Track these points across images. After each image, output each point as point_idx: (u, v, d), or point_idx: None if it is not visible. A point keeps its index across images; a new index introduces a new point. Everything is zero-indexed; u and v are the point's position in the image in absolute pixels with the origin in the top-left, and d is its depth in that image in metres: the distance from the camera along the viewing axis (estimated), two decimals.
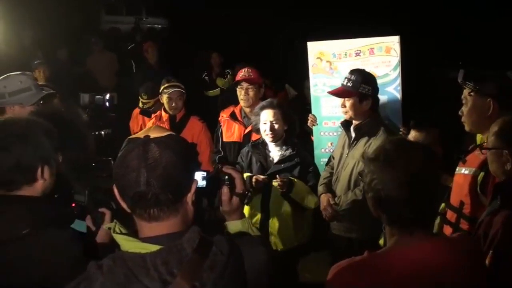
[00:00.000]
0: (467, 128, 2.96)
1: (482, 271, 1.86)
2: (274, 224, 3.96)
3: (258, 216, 3.98)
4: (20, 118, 2.17)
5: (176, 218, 1.56)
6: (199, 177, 1.81)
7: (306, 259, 4.40)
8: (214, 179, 1.85)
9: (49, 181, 2.02)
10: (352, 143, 3.88)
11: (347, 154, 3.90)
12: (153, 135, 1.55)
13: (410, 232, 1.81)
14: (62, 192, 2.17)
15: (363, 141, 3.79)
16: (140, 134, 1.58)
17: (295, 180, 3.89)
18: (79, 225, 2.22)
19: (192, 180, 1.61)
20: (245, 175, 3.96)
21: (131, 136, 1.60)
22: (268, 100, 4.15)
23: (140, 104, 5.81)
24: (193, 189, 1.60)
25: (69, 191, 2.22)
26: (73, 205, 2.19)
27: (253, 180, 3.85)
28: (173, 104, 5.12)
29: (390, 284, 1.73)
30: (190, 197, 1.59)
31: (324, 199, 3.96)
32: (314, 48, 5.02)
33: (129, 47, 10.61)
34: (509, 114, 2.53)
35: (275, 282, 1.79)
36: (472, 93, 2.86)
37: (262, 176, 3.88)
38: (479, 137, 2.97)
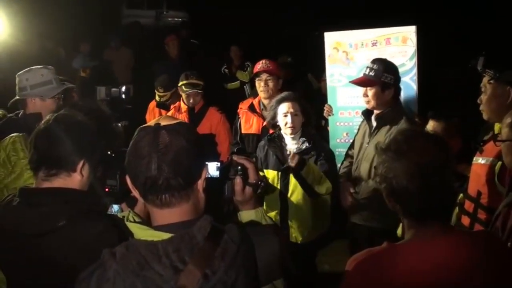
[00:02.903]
0: (485, 116, 2.92)
1: (506, 266, 1.80)
2: (293, 217, 3.96)
3: (277, 208, 3.98)
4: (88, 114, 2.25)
5: (188, 204, 1.57)
6: (213, 167, 1.83)
7: (324, 250, 4.41)
8: (225, 169, 1.87)
9: (86, 180, 2.06)
10: (373, 132, 3.87)
11: (368, 143, 3.88)
12: (163, 122, 1.57)
13: (427, 225, 1.80)
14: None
15: (384, 130, 3.77)
16: (151, 123, 1.61)
17: (310, 163, 3.84)
18: (116, 210, 2.26)
19: (202, 166, 1.63)
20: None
21: (142, 126, 1.62)
22: (286, 92, 4.11)
23: (157, 98, 5.85)
24: (203, 176, 1.61)
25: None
26: (107, 189, 2.22)
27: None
28: (191, 100, 5.21)
29: (408, 279, 1.72)
30: (201, 184, 1.61)
31: (344, 187, 3.96)
32: (331, 38, 5.03)
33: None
34: None
35: (289, 270, 1.80)
36: (491, 81, 2.82)
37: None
38: (497, 126, 2.92)
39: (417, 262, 1.74)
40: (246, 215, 1.91)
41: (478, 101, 2.92)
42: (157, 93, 5.85)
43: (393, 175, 1.79)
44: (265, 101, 4.73)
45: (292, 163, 3.78)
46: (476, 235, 1.91)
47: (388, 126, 3.75)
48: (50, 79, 3.55)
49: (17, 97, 3.54)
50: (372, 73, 3.82)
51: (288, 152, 3.98)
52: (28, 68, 3.58)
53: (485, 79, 2.86)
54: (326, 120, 5.09)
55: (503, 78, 2.78)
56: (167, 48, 8.80)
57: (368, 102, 3.87)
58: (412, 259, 1.75)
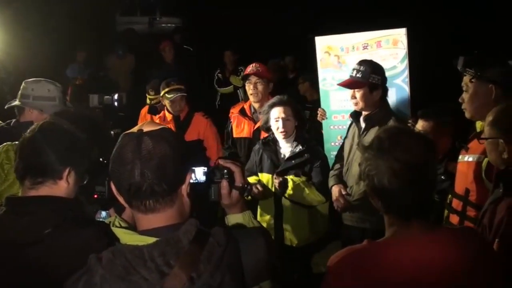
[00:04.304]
0: (467, 115, 2.93)
1: (488, 263, 1.82)
2: (288, 220, 3.97)
3: (272, 212, 4.01)
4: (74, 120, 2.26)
5: (172, 209, 1.59)
6: (200, 172, 1.85)
7: (320, 252, 4.41)
8: (212, 173, 1.89)
9: (72, 187, 2.07)
10: (362, 133, 3.88)
11: (358, 145, 3.89)
12: (146, 129, 1.59)
13: (408, 222, 1.80)
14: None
15: (373, 131, 3.76)
16: (134, 129, 1.62)
17: (293, 179, 3.88)
18: (103, 216, 2.28)
19: (186, 171, 1.64)
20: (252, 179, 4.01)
21: (125, 132, 1.63)
22: (278, 97, 4.13)
23: (148, 101, 5.88)
24: (187, 181, 1.63)
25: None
26: (95, 196, 2.24)
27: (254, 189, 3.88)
28: (177, 107, 5.18)
29: (388, 274, 1.73)
30: (185, 188, 1.62)
31: (336, 190, 3.97)
32: (322, 42, 5.05)
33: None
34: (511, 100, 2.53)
35: (277, 272, 1.81)
36: (473, 80, 2.83)
37: (259, 187, 3.92)
38: (478, 124, 2.95)
39: (396, 259, 1.74)
40: (233, 218, 1.92)
41: (460, 100, 2.94)
42: (148, 96, 5.87)
43: (375, 173, 1.79)
44: (256, 105, 4.76)
45: (276, 185, 3.87)
46: (458, 232, 1.91)
47: (377, 127, 3.75)
48: (55, 96, 3.59)
49: (17, 103, 3.56)
50: (359, 75, 3.84)
51: (282, 156, 4.01)
52: (37, 79, 3.63)
53: (466, 78, 2.88)
54: (320, 124, 5.12)
55: (485, 76, 2.79)
56: (163, 54, 8.79)
57: (356, 104, 3.89)
58: (392, 256, 1.76)
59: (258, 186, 3.90)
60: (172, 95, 5.12)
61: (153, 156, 1.53)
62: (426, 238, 1.76)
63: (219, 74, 8.57)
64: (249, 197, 1.98)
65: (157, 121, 5.30)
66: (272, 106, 4.03)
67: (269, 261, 1.76)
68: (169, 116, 5.26)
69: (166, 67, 8.51)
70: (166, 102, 5.21)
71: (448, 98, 3.45)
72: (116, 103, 3.91)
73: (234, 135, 4.86)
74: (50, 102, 3.55)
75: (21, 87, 3.58)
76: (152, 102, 5.85)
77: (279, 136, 4.00)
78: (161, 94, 5.23)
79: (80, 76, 8.45)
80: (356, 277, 1.76)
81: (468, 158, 2.85)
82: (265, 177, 4.06)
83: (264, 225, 3.80)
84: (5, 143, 3.18)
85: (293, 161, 3.96)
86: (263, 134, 4.36)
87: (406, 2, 10.11)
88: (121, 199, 1.62)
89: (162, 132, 1.59)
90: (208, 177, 1.87)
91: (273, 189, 4.00)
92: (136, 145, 1.54)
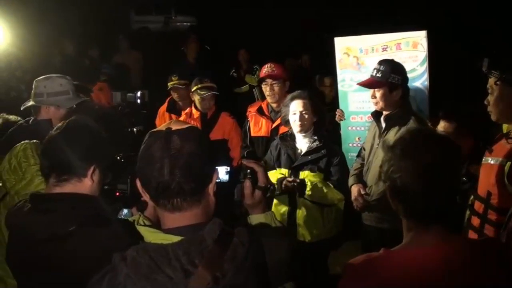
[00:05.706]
0: (493, 117, 2.90)
1: (506, 275, 1.75)
2: (301, 215, 3.96)
3: (286, 207, 3.99)
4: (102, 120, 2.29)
5: (198, 208, 1.58)
6: (223, 171, 1.85)
7: (337, 251, 4.40)
8: (235, 173, 1.88)
9: (96, 185, 2.09)
10: (382, 133, 3.87)
11: (378, 144, 3.88)
12: (174, 127, 1.58)
13: (427, 228, 1.75)
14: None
15: (393, 131, 3.76)
16: (162, 127, 1.61)
17: (310, 180, 3.87)
18: (125, 214, 2.29)
19: (213, 170, 1.64)
20: (272, 174, 3.99)
21: (153, 130, 1.63)
22: (298, 91, 4.13)
23: (169, 85, 5.85)
24: (214, 180, 1.63)
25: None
26: (117, 194, 2.25)
27: (284, 183, 3.86)
28: (207, 105, 5.20)
29: (403, 284, 1.69)
30: (211, 187, 1.62)
31: (355, 189, 3.97)
32: (341, 43, 5.04)
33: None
34: None
35: (299, 273, 1.80)
36: (498, 82, 2.79)
37: (290, 180, 3.89)
38: (505, 127, 2.91)
39: (412, 270, 1.69)
40: (256, 219, 1.91)
41: (485, 102, 2.90)
42: (169, 83, 5.84)
43: (398, 174, 1.75)
44: (273, 105, 4.77)
45: (296, 189, 3.86)
46: (478, 246, 1.83)
47: (397, 127, 3.75)
48: (68, 89, 3.61)
49: (32, 103, 3.58)
50: (379, 74, 3.83)
51: (299, 151, 4.01)
52: (47, 75, 3.63)
53: (491, 80, 2.83)
54: (338, 125, 5.11)
55: (511, 78, 2.75)
56: (185, 51, 8.69)
57: (376, 103, 3.88)
58: (407, 266, 1.71)
59: (289, 179, 3.88)
60: (204, 92, 5.15)
61: (182, 154, 1.52)
62: (441, 249, 1.70)
63: (234, 74, 8.55)
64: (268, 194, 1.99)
65: (183, 117, 5.35)
66: (292, 99, 4.05)
67: (292, 261, 1.75)
68: (196, 113, 5.27)
69: (188, 66, 8.38)
70: (196, 98, 5.21)
71: (469, 102, 3.41)
72: (138, 101, 3.93)
73: (252, 134, 4.86)
74: (64, 96, 3.57)
75: (33, 86, 3.59)
76: (174, 85, 5.82)
77: (295, 129, 4.01)
78: (193, 90, 5.24)
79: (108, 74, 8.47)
80: (371, 285, 1.73)
81: (491, 160, 2.81)
82: (282, 172, 4.06)
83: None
84: (22, 142, 3.19)
85: (309, 157, 3.96)
86: (281, 131, 4.36)
87: (427, 4, 10.06)
88: (146, 197, 1.61)
89: (190, 131, 1.59)
90: (231, 177, 1.87)
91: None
92: (164, 143, 1.54)
